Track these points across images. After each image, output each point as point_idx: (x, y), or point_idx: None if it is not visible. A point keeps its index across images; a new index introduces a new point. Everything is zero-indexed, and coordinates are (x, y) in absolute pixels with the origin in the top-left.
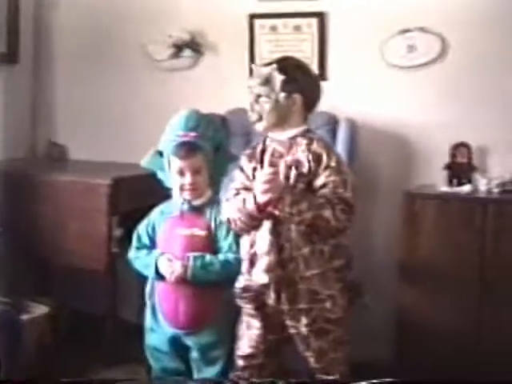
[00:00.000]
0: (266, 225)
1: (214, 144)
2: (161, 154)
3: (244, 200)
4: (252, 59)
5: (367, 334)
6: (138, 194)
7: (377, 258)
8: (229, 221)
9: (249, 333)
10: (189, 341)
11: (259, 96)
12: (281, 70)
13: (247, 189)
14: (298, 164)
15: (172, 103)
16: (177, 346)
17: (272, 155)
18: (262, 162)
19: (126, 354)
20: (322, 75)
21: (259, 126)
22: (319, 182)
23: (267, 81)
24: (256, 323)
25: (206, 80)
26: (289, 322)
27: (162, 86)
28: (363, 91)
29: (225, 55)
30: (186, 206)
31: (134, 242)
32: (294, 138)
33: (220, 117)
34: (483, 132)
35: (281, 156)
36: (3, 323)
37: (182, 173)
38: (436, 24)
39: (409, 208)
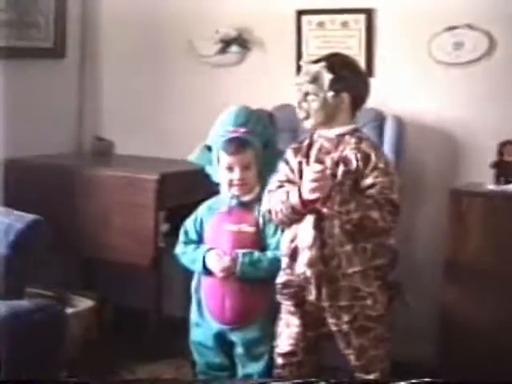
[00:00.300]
0: (309, 219)
1: (263, 140)
2: (209, 148)
3: (288, 193)
4: (299, 55)
5: (410, 333)
6: (184, 189)
7: (422, 256)
8: (270, 211)
9: (288, 330)
10: (234, 336)
11: (307, 94)
12: (329, 68)
13: (291, 181)
14: (345, 161)
15: (219, 99)
16: (221, 342)
17: (319, 151)
18: (308, 156)
19: (171, 349)
20: (370, 72)
21: (307, 124)
22: (367, 182)
23: (315, 79)
24: (295, 321)
25: (253, 76)
26: (330, 320)
27: (209, 82)
28: (410, 88)
29: (272, 51)
30: (234, 202)
31: (182, 237)
32: (341, 135)
33: (267, 113)
34: None
35: (328, 152)
36: (48, 317)
37: (231, 168)
38: (483, 21)
39: (455, 206)
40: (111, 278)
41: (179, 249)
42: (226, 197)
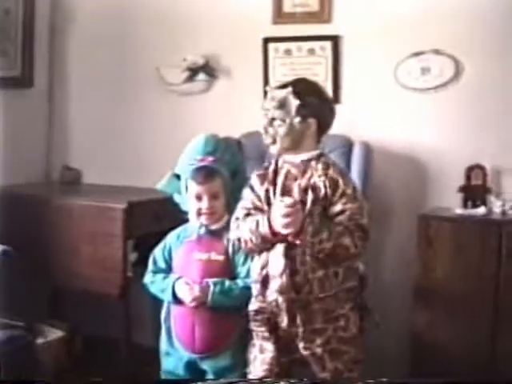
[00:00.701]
0: (280, 247)
1: (231, 168)
2: (178, 177)
3: (257, 222)
4: (266, 83)
5: (381, 356)
6: (153, 218)
7: (391, 280)
8: (239, 240)
9: (262, 356)
10: (205, 365)
11: (273, 119)
12: (295, 93)
13: (258, 209)
14: (314, 188)
15: (186, 127)
16: (193, 370)
17: (286, 177)
18: (275, 183)
19: (141, 378)
20: (336, 98)
21: (273, 149)
22: (336, 208)
23: (282, 104)
24: (269, 346)
25: (220, 104)
26: (302, 344)
27: (177, 110)
28: (377, 114)
29: (239, 79)
30: (203, 230)
31: (150, 266)
32: (308, 160)
33: (235, 140)
34: (498, 154)
35: (295, 179)
36: (18, 347)
37: (199, 197)
38: (449, 46)
39: (424, 230)
40: (81, 308)
41: (148, 278)
42: (195, 225)
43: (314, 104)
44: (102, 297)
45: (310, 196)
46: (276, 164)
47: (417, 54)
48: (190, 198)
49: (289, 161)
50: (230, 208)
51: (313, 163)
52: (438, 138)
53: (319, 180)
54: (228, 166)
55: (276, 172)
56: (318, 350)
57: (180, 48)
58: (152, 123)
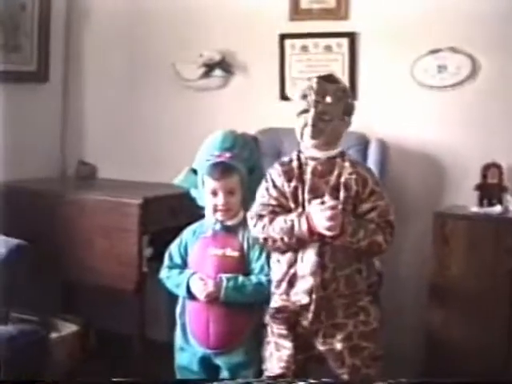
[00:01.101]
0: (312, 246)
1: (248, 165)
2: (195, 172)
3: (292, 221)
4: (282, 79)
5: (395, 353)
6: (168, 213)
7: (407, 277)
8: (265, 239)
9: (279, 354)
10: (218, 361)
11: (324, 113)
12: (344, 91)
13: (282, 206)
14: (346, 186)
15: (202, 123)
16: (207, 366)
17: (313, 175)
18: (303, 181)
19: (156, 374)
20: (353, 95)
21: (311, 143)
22: (366, 206)
23: (338, 100)
24: (287, 344)
25: (237, 100)
26: (322, 339)
27: (192, 106)
28: (393, 111)
29: (255, 75)
30: (218, 227)
31: (166, 262)
32: (334, 158)
33: (251, 137)
34: None
35: (321, 176)
36: (32, 341)
37: (215, 193)
38: (466, 44)
39: (439, 228)
40: (95, 303)
41: (164, 273)
42: (211, 221)
43: (352, 103)
44: (116, 292)
45: (342, 194)
46: (298, 159)
47: (433, 52)
48: (206, 193)
49: (313, 157)
50: (247, 204)
51: (338, 160)
52: (455, 136)
53: (350, 178)
54: (245, 163)
55: (300, 168)
56: (338, 346)
57: (196, 44)
58: (168, 119)
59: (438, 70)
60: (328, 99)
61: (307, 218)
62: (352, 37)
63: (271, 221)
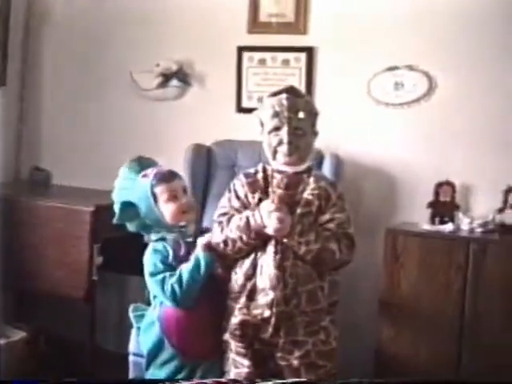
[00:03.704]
0: (270, 258)
1: None
2: (130, 204)
3: (247, 218)
4: (239, 91)
5: (347, 370)
6: None
7: (359, 294)
8: (225, 243)
9: (237, 371)
10: (197, 372)
11: (296, 129)
12: (310, 104)
13: None
14: (307, 203)
15: (159, 132)
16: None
17: (278, 187)
18: (266, 193)
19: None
20: None
21: (288, 160)
22: (325, 217)
23: (309, 114)
24: (245, 362)
25: (193, 110)
26: (280, 354)
27: (149, 115)
28: (349, 127)
29: (212, 86)
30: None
31: (160, 267)
32: (301, 173)
33: (206, 148)
34: (468, 171)
35: (286, 189)
36: None
37: (175, 196)
38: (424, 62)
39: (391, 245)
40: (45, 309)
41: (172, 280)
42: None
43: (317, 113)
44: (67, 299)
45: (299, 210)
46: (264, 171)
47: (391, 69)
48: (163, 205)
49: (280, 170)
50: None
51: (304, 176)
52: (409, 153)
53: (312, 194)
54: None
55: (266, 180)
56: (295, 362)
57: (154, 53)
58: (125, 127)
59: (394, 87)
60: (301, 114)
61: (258, 211)
62: (310, 51)
63: (228, 223)
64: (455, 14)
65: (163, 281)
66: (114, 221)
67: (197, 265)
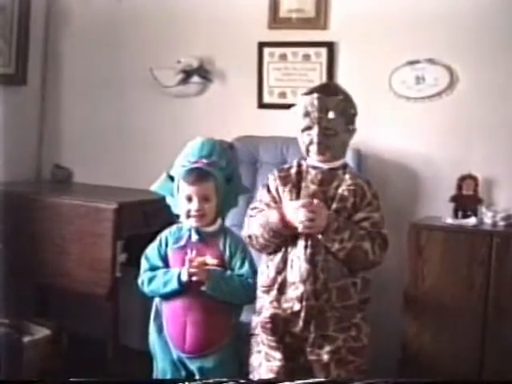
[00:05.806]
0: (301, 252)
1: (226, 173)
2: (172, 178)
3: (267, 216)
4: (260, 87)
5: (370, 365)
6: (142, 219)
7: (382, 288)
8: (250, 237)
9: (269, 364)
10: (192, 365)
11: (327, 129)
12: (347, 101)
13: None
14: (342, 199)
15: (179, 129)
16: (181, 370)
17: (312, 182)
18: (299, 187)
19: (129, 379)
20: None
21: (317, 158)
22: (360, 215)
23: (340, 114)
24: (277, 355)
25: (214, 106)
26: (310, 349)
27: (170, 112)
28: (371, 121)
29: (233, 82)
30: (195, 238)
31: (145, 265)
32: (335, 169)
33: (228, 144)
34: (490, 164)
35: (320, 185)
36: (4, 344)
37: (189, 198)
38: (445, 56)
39: (414, 239)
40: (68, 307)
41: (145, 275)
42: (186, 228)
43: (354, 111)
44: (90, 297)
45: (334, 205)
46: (298, 166)
47: (412, 63)
48: (181, 199)
49: (315, 165)
50: (222, 212)
51: (339, 172)
52: (431, 147)
53: (347, 190)
54: (223, 171)
55: (299, 175)
56: (325, 357)
57: (174, 50)
58: (145, 124)
59: (415, 82)
60: (331, 114)
61: (278, 209)
62: (330, 46)
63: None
64: (476, 8)
65: (143, 268)
66: (151, 187)
67: (170, 280)
